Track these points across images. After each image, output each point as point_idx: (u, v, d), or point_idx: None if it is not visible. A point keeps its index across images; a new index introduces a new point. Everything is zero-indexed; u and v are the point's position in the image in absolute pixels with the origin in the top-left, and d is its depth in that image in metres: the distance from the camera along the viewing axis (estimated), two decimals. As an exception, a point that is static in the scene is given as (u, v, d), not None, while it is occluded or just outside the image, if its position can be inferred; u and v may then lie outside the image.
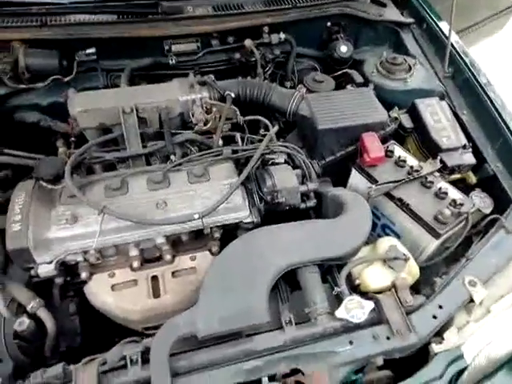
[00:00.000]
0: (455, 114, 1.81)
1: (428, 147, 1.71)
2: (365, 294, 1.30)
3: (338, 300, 1.27)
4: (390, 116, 1.73)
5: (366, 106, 1.66)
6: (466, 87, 1.88)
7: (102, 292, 1.34)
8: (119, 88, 1.76)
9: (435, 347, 1.19)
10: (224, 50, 2.01)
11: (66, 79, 1.78)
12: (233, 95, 1.65)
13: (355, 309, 1.20)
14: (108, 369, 1.12)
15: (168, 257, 1.39)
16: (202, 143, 1.63)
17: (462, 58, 1.95)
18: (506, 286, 1.32)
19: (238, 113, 1.66)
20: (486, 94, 1.79)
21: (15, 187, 1.38)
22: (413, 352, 1.19)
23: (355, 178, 1.66)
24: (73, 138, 1.65)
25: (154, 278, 1.37)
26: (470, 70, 1.89)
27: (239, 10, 1.97)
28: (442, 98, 1.86)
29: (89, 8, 1.88)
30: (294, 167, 1.56)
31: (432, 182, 1.53)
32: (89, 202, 1.31)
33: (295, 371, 1.12)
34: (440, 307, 1.25)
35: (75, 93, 1.63)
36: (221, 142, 1.61)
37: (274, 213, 1.49)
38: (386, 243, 1.41)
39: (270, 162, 1.55)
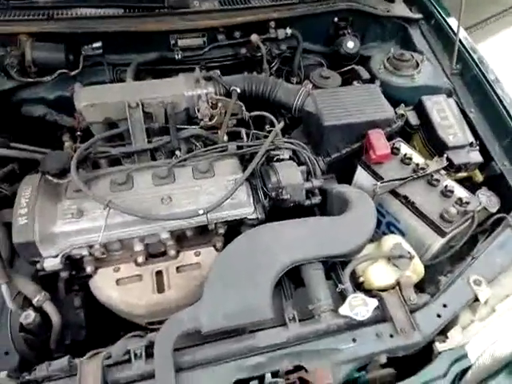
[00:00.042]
0: (462, 112, 1.80)
1: (434, 145, 1.70)
2: (369, 292, 1.30)
3: (341, 297, 1.27)
4: (396, 113, 1.72)
5: (373, 103, 1.65)
6: (474, 84, 1.87)
7: (106, 286, 1.35)
8: (125, 83, 1.76)
9: (439, 346, 1.19)
10: (230, 45, 2.01)
11: (73, 73, 1.78)
12: (238, 90, 1.65)
13: (359, 306, 1.20)
14: (112, 363, 1.13)
15: (172, 252, 1.39)
16: (207, 139, 1.62)
17: (470, 54, 1.94)
18: (511, 285, 1.31)
19: (244, 108, 1.66)
20: (494, 91, 1.78)
21: (22, 181, 1.38)
22: (416, 350, 1.19)
23: (360, 175, 1.65)
24: (79, 133, 1.66)
25: (159, 273, 1.37)
26: (478, 66, 1.88)
27: (246, 5, 1.97)
28: (449, 95, 1.85)
29: (95, 2, 1.88)
30: (299, 164, 1.55)
31: (438, 180, 1.52)
32: (94, 197, 1.31)
33: (298, 368, 1.13)
34: (444, 306, 1.24)
35: (81, 87, 1.63)
36: (226, 138, 1.61)
37: (278, 209, 1.49)
38: (390, 241, 1.41)
39: (274, 159, 1.55)
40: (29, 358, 1.24)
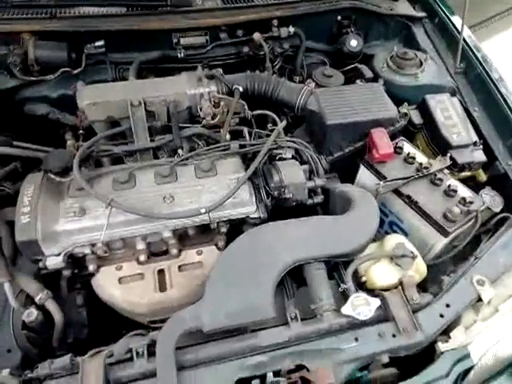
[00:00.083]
0: (466, 111, 1.79)
1: (438, 144, 1.69)
2: (371, 291, 1.30)
3: (344, 297, 1.27)
4: (399, 112, 1.71)
5: (376, 102, 1.64)
6: (478, 83, 1.86)
7: (109, 285, 1.35)
8: (128, 81, 1.76)
9: (441, 346, 1.19)
10: (233, 44, 2.00)
11: (75, 72, 1.78)
12: (241, 89, 1.64)
13: (361, 306, 1.20)
14: (114, 361, 1.13)
15: (174, 251, 1.39)
16: (209, 137, 1.62)
17: (474, 53, 1.93)
18: (514, 285, 1.31)
19: (246, 107, 1.65)
20: (498, 90, 1.77)
21: (24, 179, 1.38)
22: (419, 350, 1.19)
23: (363, 174, 1.65)
24: (81, 131, 1.66)
25: (161, 272, 1.37)
26: (482, 65, 1.87)
27: (248, 3, 1.97)
28: (453, 93, 1.84)
29: (98, 0, 1.88)
30: (302, 163, 1.55)
31: (441, 180, 1.51)
32: (97, 195, 1.31)
33: (300, 367, 1.12)
34: (447, 306, 1.24)
35: (84, 85, 1.63)
36: (228, 137, 1.61)
37: (280, 208, 1.49)
38: (393, 240, 1.40)
39: (277, 157, 1.54)
40: (31, 355, 1.24)
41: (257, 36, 1.90)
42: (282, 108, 1.84)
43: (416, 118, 1.76)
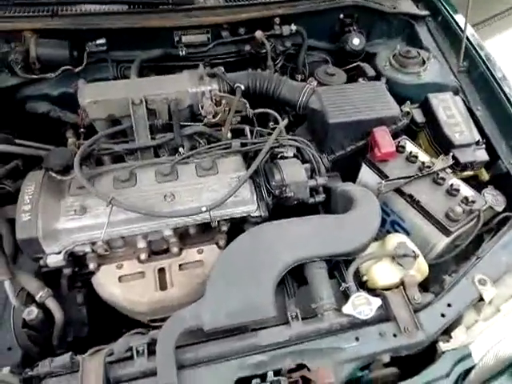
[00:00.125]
0: (469, 110, 1.78)
1: (440, 143, 1.68)
2: (372, 291, 1.29)
3: (345, 296, 1.26)
4: (402, 110, 1.70)
5: (378, 100, 1.64)
6: (481, 82, 1.85)
7: (109, 283, 1.35)
8: (129, 79, 1.76)
9: (443, 345, 1.18)
10: (234, 42, 2.00)
11: (76, 70, 1.78)
12: (242, 87, 1.64)
13: (362, 305, 1.19)
14: (114, 359, 1.13)
15: (175, 249, 1.39)
16: (210, 136, 1.62)
17: (477, 51, 1.92)
18: (516, 285, 1.30)
19: (248, 105, 1.65)
20: (502, 88, 1.76)
21: (25, 177, 1.38)
22: (420, 350, 1.18)
23: (365, 173, 1.64)
24: (82, 129, 1.66)
25: (161, 271, 1.37)
26: (485, 64, 1.86)
27: (250, 1, 1.96)
28: (456, 92, 1.83)
29: (99, -2, 1.87)
30: (303, 161, 1.54)
31: (444, 179, 1.50)
32: (97, 194, 1.31)
33: (301, 366, 1.12)
34: (449, 305, 1.23)
35: (85, 84, 1.63)
36: (230, 135, 1.60)
37: (282, 207, 1.48)
38: (395, 240, 1.39)
39: (278, 156, 1.54)
40: (31, 353, 1.24)
41: (259, 34, 1.89)
42: (283, 106, 1.83)
43: (418, 116, 1.75)
